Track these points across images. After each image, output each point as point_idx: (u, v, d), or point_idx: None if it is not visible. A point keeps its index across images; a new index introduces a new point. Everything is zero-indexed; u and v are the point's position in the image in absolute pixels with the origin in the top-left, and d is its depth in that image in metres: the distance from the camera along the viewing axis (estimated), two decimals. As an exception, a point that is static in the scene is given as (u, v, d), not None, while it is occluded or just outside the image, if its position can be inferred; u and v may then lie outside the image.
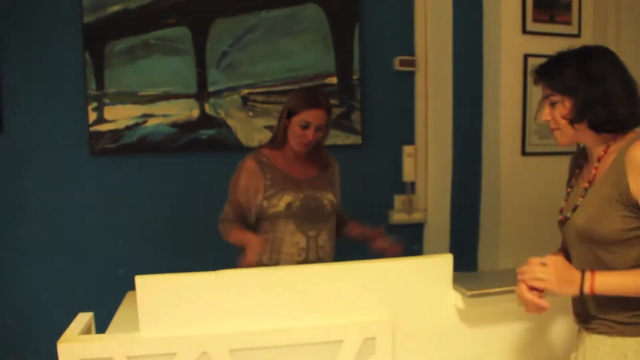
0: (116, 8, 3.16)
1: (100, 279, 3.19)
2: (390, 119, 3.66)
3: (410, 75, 3.67)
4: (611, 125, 1.48)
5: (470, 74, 3.40)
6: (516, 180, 3.16)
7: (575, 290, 1.43)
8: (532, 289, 1.49)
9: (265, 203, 2.28)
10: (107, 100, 3.19)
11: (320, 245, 2.32)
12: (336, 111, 3.50)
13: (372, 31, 3.59)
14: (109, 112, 3.20)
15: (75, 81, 3.16)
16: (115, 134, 3.22)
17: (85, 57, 3.14)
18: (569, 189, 1.66)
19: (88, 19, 3.12)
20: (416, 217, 3.71)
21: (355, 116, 3.55)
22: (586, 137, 1.54)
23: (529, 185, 3.11)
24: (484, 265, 3.35)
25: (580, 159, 1.66)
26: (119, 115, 3.22)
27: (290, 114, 2.31)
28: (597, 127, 1.49)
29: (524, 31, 3.24)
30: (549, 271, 1.45)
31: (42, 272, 3.16)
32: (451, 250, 3.43)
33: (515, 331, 1.87)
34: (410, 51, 3.66)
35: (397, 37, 3.65)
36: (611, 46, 3.25)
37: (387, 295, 1.72)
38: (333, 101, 3.48)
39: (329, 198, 2.37)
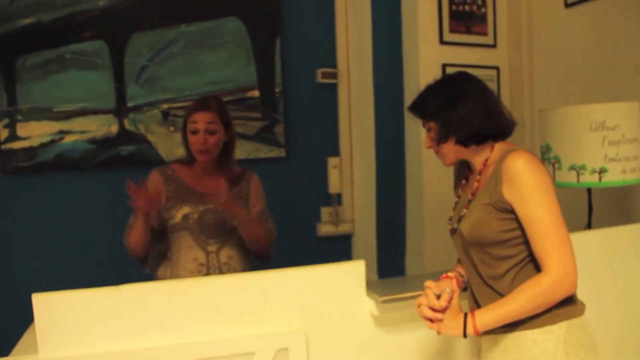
0: (28, 20, 3.06)
1: (14, 301, 3.02)
2: (314, 131, 3.67)
3: (333, 87, 3.70)
4: (474, 138, 1.60)
5: (391, 84, 3.43)
6: (438, 189, 3.18)
7: (459, 334, 1.51)
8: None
9: (165, 214, 2.20)
10: (19, 117, 3.07)
11: (223, 262, 2.20)
12: (259, 124, 3.49)
13: (294, 44, 3.59)
14: (22, 129, 3.08)
15: (-16, 97, 3.01)
16: (30, 151, 3.09)
17: (-5, 71, 3.01)
18: (457, 199, 1.76)
19: (-3, 31, 3.01)
20: (343, 228, 3.71)
21: (279, 129, 3.53)
22: (462, 153, 1.65)
23: (451, 194, 3.16)
24: (411, 272, 3.36)
25: (465, 170, 1.76)
26: (33, 132, 3.10)
27: (184, 124, 2.24)
28: (462, 142, 1.61)
29: (441, 41, 3.32)
30: (440, 305, 1.53)
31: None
32: (379, 259, 3.45)
33: (430, 336, 1.87)
34: (332, 63, 3.68)
35: (319, 50, 3.67)
36: (524, 55, 3.39)
37: (299, 304, 1.69)
38: (255, 114, 3.47)
39: None
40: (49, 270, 3.13)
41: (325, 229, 3.68)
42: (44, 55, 3.11)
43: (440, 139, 1.62)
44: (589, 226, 2.58)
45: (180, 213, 2.18)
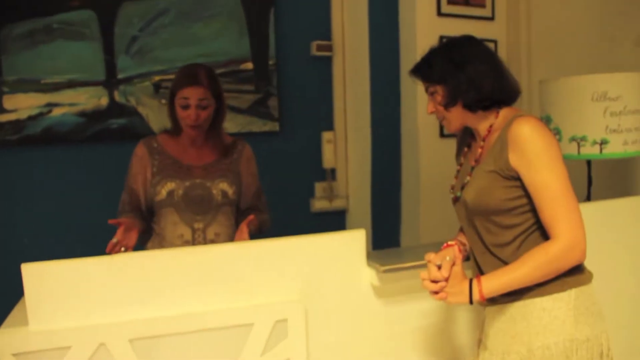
0: (12, -12, 2.96)
1: (2, 278, 2.98)
2: (308, 105, 3.60)
3: (328, 60, 3.63)
4: (482, 102, 1.55)
5: (387, 57, 3.36)
6: (435, 162, 3.15)
7: (465, 300, 1.49)
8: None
9: (151, 190, 2.14)
10: (5, 89, 2.99)
11: (210, 239, 2.13)
12: (252, 97, 3.42)
13: (288, 15, 3.51)
14: (9, 102, 3.00)
15: (-32, 69, 2.93)
16: (17, 124, 3.02)
17: (-21, 42, 2.93)
18: (459, 167, 1.72)
19: (-20, 0, 2.91)
20: (338, 204, 3.67)
21: (272, 102, 3.47)
22: (468, 119, 1.60)
23: (448, 166, 3.12)
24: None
25: (467, 137, 1.72)
26: (20, 105, 3.02)
27: (172, 95, 2.14)
28: (470, 106, 1.56)
29: (439, 13, 3.25)
30: (443, 276, 1.50)
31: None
32: (374, 235, 3.40)
33: (431, 307, 1.84)
34: (327, 36, 3.61)
35: (314, 22, 3.59)
36: (522, 28, 3.32)
37: (298, 274, 1.65)
38: (248, 87, 3.40)
39: (220, 187, 2.17)
40: (38, 246, 3.06)
41: (319, 204, 3.64)
42: (30, 24, 3.02)
43: (447, 103, 1.57)
44: (588, 198, 2.56)
45: (165, 189, 2.11)
